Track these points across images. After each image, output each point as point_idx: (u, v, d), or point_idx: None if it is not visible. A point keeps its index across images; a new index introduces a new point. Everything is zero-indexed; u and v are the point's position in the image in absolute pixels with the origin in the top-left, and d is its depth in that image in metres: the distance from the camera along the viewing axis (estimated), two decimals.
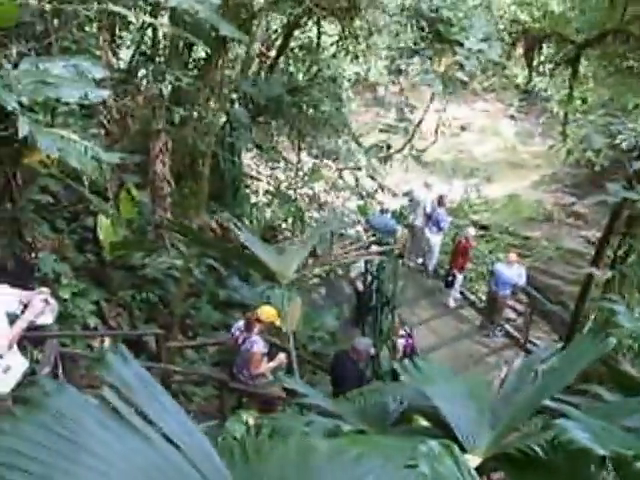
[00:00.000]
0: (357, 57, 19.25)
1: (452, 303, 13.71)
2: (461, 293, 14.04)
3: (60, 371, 5.64)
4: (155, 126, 9.22)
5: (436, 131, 19.67)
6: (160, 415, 2.18)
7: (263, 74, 16.05)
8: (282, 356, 7.99)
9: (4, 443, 1.85)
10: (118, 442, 2.01)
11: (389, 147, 15.95)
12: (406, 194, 15.30)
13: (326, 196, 15.44)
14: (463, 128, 25.55)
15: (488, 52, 13.40)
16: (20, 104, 6.45)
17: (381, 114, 25.29)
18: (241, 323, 7.93)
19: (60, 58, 7.45)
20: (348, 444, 2.48)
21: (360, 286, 12.11)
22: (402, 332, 10.33)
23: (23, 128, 6.34)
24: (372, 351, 8.62)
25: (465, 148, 24.69)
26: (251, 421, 6.33)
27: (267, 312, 7.76)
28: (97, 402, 2.11)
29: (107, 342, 9.42)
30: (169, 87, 9.40)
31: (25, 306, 5.34)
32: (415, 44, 22.68)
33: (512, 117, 26.58)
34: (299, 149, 15.82)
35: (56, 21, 8.45)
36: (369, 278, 10.86)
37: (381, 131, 15.90)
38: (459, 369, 10.75)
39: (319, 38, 17.09)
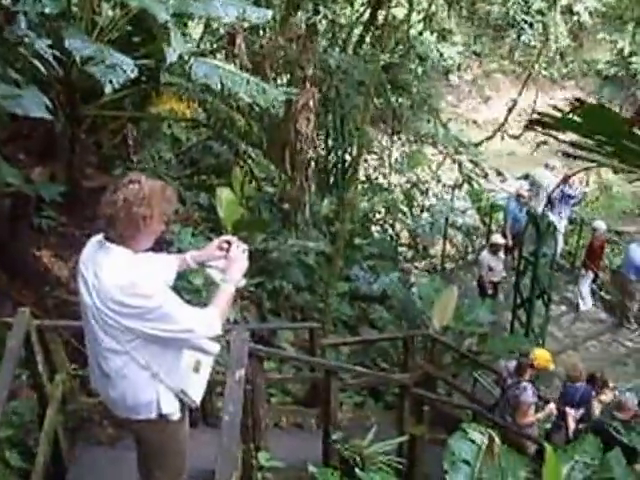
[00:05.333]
0: (444, 37, 17.93)
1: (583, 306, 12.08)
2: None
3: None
4: (301, 72, 7.66)
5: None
6: None
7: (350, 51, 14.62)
8: (552, 406, 7.23)
9: None
10: None
11: None
12: (524, 177, 13.68)
13: (429, 183, 13.94)
14: None
15: None
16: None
17: (454, 103, 23.93)
18: (511, 363, 7.24)
19: None
20: None
21: (490, 276, 10.66)
22: None
23: (173, 50, 4.93)
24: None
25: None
26: (483, 440, 4.95)
27: (542, 358, 7.14)
28: None
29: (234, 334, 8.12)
30: (323, 22, 7.82)
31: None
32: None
33: None
34: (392, 133, 14.40)
35: None
36: (522, 264, 9.38)
37: None
38: None
39: (409, 13, 15.58)
